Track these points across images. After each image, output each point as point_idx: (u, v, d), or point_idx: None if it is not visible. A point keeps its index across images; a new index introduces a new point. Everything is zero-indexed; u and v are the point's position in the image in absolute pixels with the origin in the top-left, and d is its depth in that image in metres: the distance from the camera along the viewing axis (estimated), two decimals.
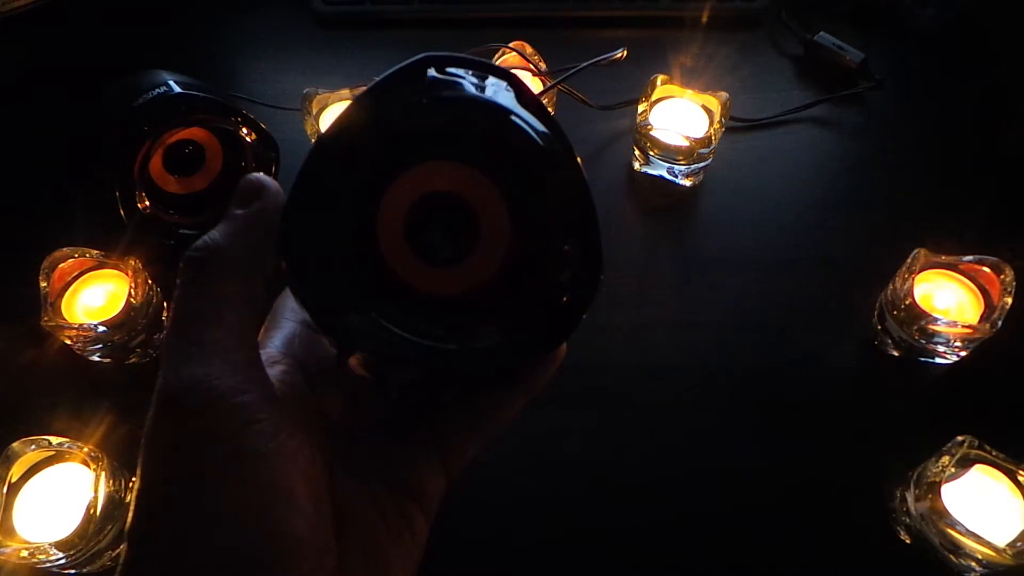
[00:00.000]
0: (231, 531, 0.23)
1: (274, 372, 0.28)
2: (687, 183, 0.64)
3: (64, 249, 0.52)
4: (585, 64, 0.62)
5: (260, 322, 0.27)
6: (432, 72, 0.27)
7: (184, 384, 0.23)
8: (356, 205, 0.25)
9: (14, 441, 0.44)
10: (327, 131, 0.26)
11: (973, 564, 0.43)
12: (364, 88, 0.26)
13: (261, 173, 0.27)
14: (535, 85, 0.66)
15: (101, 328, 0.50)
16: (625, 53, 0.62)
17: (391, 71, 0.27)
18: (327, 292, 0.25)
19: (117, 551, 0.47)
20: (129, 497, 0.47)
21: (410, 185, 0.27)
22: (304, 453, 0.25)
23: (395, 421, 0.30)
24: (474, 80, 0.27)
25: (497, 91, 0.27)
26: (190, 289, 0.25)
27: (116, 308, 0.51)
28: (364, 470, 0.29)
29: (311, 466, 0.25)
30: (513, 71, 0.28)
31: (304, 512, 0.24)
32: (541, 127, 0.27)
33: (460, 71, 0.27)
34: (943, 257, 0.52)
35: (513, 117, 0.27)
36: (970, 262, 0.52)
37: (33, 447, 0.45)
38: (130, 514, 0.24)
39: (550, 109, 0.65)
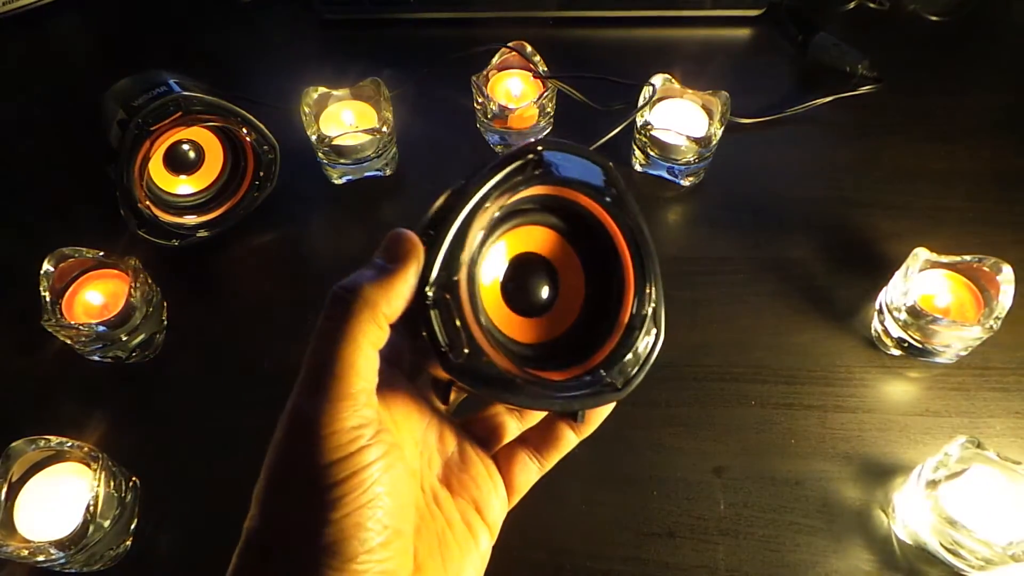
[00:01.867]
0: (328, 527, 0.27)
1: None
2: (687, 183, 0.64)
3: (64, 249, 0.53)
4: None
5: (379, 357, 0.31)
6: (546, 157, 0.32)
7: (310, 410, 0.28)
8: (470, 269, 0.31)
9: (14, 440, 0.44)
10: (445, 203, 0.31)
11: (973, 564, 0.43)
12: (482, 170, 0.31)
13: (408, 232, 0.30)
14: (534, 85, 0.66)
15: (101, 328, 0.50)
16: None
17: (506, 156, 0.31)
18: (450, 343, 0.29)
19: (117, 550, 0.47)
20: (128, 496, 0.47)
21: (505, 248, 0.33)
22: (401, 467, 0.30)
23: (466, 447, 0.36)
24: (574, 164, 0.32)
25: (585, 172, 0.33)
26: (331, 324, 0.29)
27: (116, 308, 0.51)
28: (442, 483, 0.34)
29: (406, 479, 0.30)
30: (609, 163, 0.33)
31: (397, 516, 0.29)
32: (614, 207, 0.33)
33: (563, 158, 0.32)
34: (943, 257, 0.52)
35: (605, 198, 0.32)
36: (970, 262, 0.52)
37: (33, 446, 0.45)
38: (251, 508, 0.28)
39: (550, 109, 0.65)
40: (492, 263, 0.33)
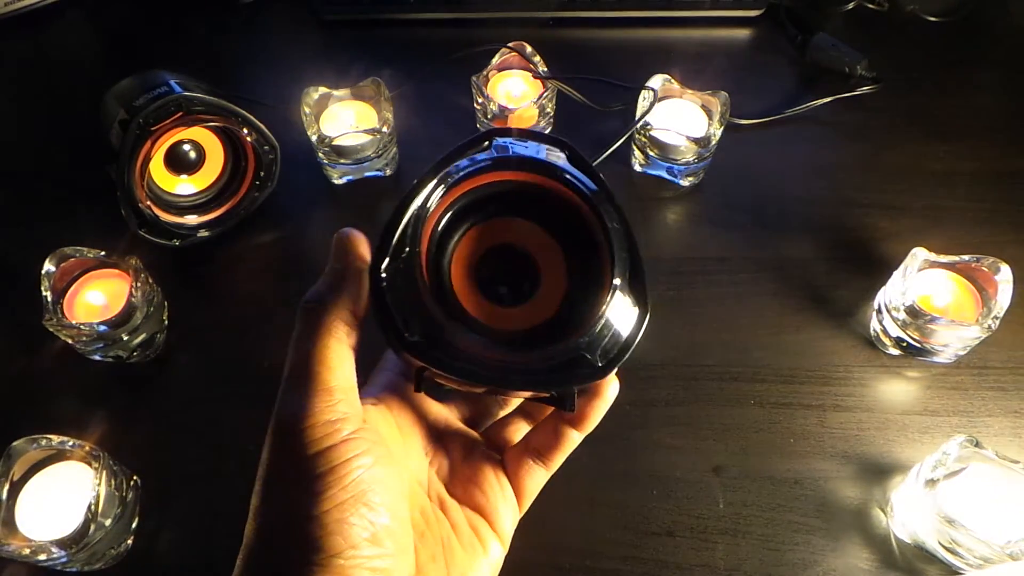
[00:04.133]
0: (312, 527, 0.27)
1: (372, 399, 0.35)
2: (686, 183, 0.64)
3: (66, 249, 0.53)
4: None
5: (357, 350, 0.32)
6: (496, 141, 0.31)
7: (290, 406, 0.29)
8: (433, 253, 0.31)
9: (16, 440, 0.45)
10: (406, 193, 0.30)
11: (971, 562, 0.43)
12: (436, 159, 0.31)
13: (348, 230, 0.33)
14: (535, 86, 0.66)
15: (102, 327, 0.50)
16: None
17: (459, 144, 0.31)
18: (405, 322, 0.29)
19: (119, 549, 0.47)
20: (129, 495, 0.47)
21: (477, 239, 0.32)
22: (387, 464, 0.30)
23: (477, 455, 0.36)
24: (531, 147, 0.32)
25: (551, 155, 0.32)
26: (302, 331, 0.31)
27: (117, 308, 0.52)
28: (449, 491, 0.35)
29: (394, 477, 0.30)
30: (563, 139, 0.33)
31: (386, 514, 0.29)
32: (591, 184, 0.32)
33: (517, 141, 0.32)
34: (941, 257, 0.52)
35: (567, 176, 0.31)
36: (968, 262, 0.52)
37: (35, 446, 0.45)
38: (253, 500, 0.29)
39: (550, 109, 0.65)
40: (463, 254, 0.33)
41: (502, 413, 0.40)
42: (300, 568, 0.26)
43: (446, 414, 0.38)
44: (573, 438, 0.35)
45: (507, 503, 0.35)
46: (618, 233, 0.31)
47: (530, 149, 0.32)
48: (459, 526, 0.34)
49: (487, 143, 0.31)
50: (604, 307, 0.30)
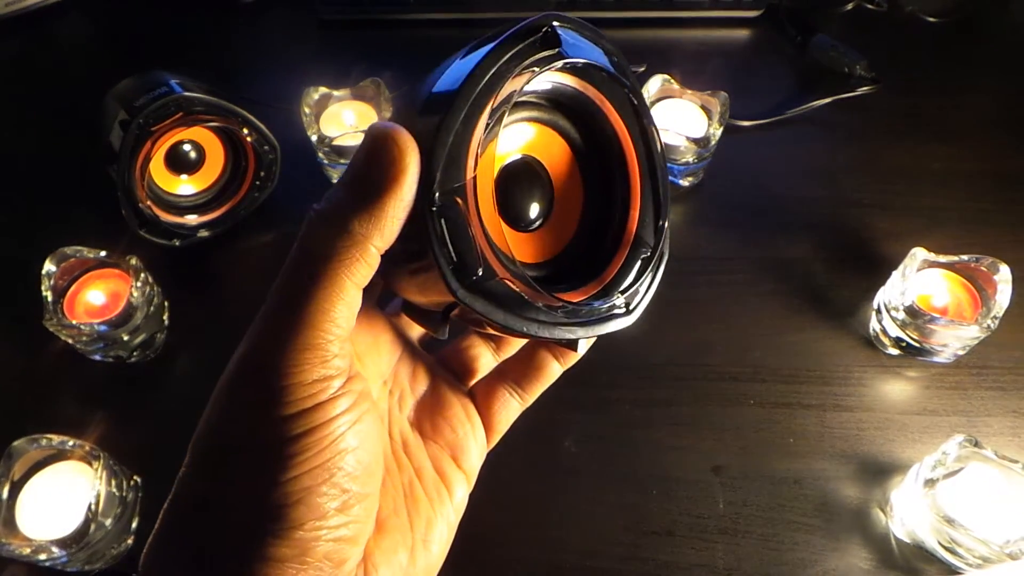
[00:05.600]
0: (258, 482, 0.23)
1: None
2: (686, 183, 0.64)
3: (66, 249, 0.53)
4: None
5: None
6: (561, 34, 0.26)
7: (266, 357, 0.23)
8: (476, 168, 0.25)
9: (16, 439, 0.45)
10: (454, 92, 0.24)
11: (970, 562, 0.43)
12: (486, 46, 0.25)
13: (398, 130, 0.23)
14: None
15: (102, 327, 0.50)
16: (644, 68, 0.63)
17: (512, 31, 0.25)
18: (461, 261, 0.24)
19: (119, 548, 0.47)
20: (130, 495, 0.47)
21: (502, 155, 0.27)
22: (371, 420, 0.25)
23: (440, 383, 0.32)
24: (587, 47, 0.27)
25: (598, 59, 0.26)
26: (306, 258, 0.24)
27: (117, 308, 0.52)
28: (413, 427, 0.30)
29: (375, 434, 0.26)
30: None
31: (361, 478, 0.24)
32: (624, 103, 0.27)
33: (580, 39, 0.27)
34: (941, 257, 0.53)
35: (611, 90, 0.27)
36: (967, 262, 0.52)
37: (35, 445, 0.45)
38: (187, 456, 0.25)
39: None
40: (488, 167, 0.27)
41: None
42: (251, 539, 0.22)
43: (402, 331, 0.32)
44: (554, 370, 0.31)
45: (476, 439, 0.31)
46: (653, 161, 0.28)
47: (586, 53, 0.26)
48: (424, 470, 0.29)
49: (551, 35, 0.25)
50: (632, 247, 0.27)
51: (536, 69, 0.25)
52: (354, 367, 0.25)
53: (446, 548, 0.29)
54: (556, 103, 0.28)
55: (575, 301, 0.26)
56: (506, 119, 0.25)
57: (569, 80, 0.27)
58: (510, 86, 0.24)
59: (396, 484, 0.28)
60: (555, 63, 0.25)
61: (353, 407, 0.24)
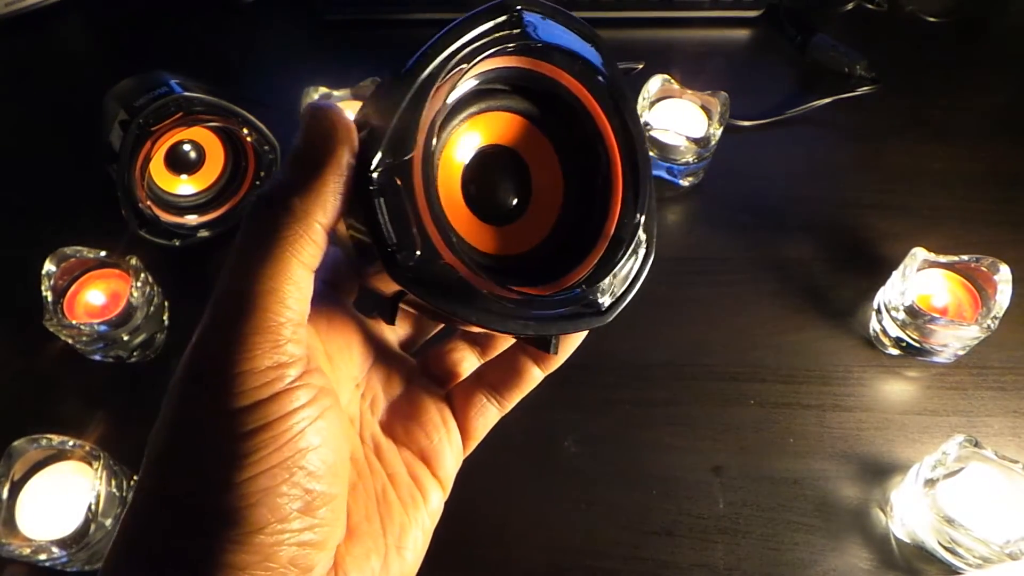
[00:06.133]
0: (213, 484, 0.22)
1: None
2: (686, 183, 0.64)
3: (66, 249, 0.53)
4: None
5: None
6: (525, 17, 0.25)
7: (216, 344, 0.23)
8: (426, 150, 0.24)
9: (16, 439, 0.45)
10: (406, 68, 0.25)
11: (970, 562, 0.43)
12: (445, 27, 0.25)
13: (330, 105, 0.24)
14: None
15: (102, 327, 0.50)
16: (641, 66, 0.63)
17: (471, 13, 0.25)
18: (398, 240, 0.23)
19: None
20: (130, 495, 0.47)
21: (466, 138, 0.26)
22: (334, 417, 0.24)
23: (416, 388, 0.31)
24: (559, 32, 0.26)
25: (573, 45, 0.26)
26: (251, 241, 0.23)
27: (117, 308, 0.52)
28: (385, 431, 0.29)
29: (339, 431, 0.25)
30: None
31: (325, 478, 0.23)
32: (605, 92, 0.26)
33: (542, 19, 0.26)
34: (941, 257, 0.53)
35: (590, 78, 0.26)
36: (967, 262, 0.52)
37: (35, 445, 0.45)
38: (142, 467, 0.23)
39: None
40: (453, 154, 0.26)
41: (433, 332, 0.34)
42: (208, 546, 0.21)
43: (378, 333, 0.31)
44: (535, 376, 0.30)
45: (452, 446, 0.30)
46: (636, 154, 0.27)
47: (559, 37, 0.26)
48: (397, 476, 0.28)
49: (514, 19, 0.25)
50: (611, 243, 0.26)
51: (494, 49, 0.24)
52: (315, 361, 0.24)
53: (421, 555, 0.28)
54: (534, 93, 0.27)
55: (532, 294, 0.25)
56: (484, 105, 0.25)
57: (549, 72, 0.26)
58: (466, 67, 0.24)
59: (368, 489, 0.28)
60: (510, 44, 0.25)
61: (313, 402, 0.23)
